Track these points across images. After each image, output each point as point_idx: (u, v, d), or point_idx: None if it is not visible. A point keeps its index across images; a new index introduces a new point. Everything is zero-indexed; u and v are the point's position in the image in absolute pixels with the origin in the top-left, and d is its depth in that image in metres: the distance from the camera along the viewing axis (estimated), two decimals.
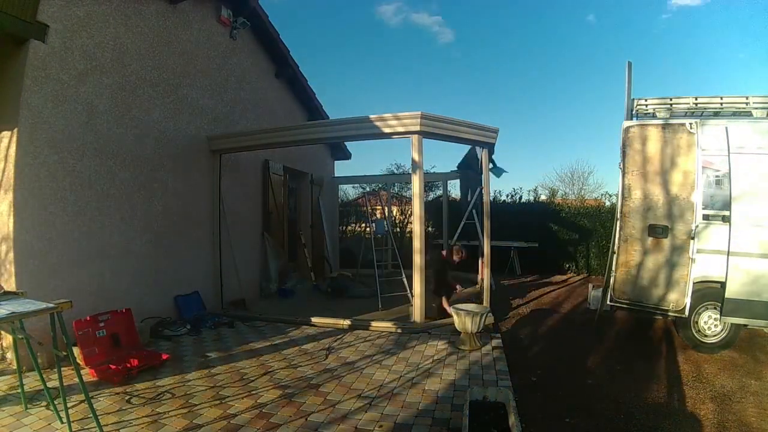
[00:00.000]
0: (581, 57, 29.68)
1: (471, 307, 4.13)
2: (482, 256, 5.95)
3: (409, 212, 10.80)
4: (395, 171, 12.16)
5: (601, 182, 18.55)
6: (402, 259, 6.29)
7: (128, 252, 4.27)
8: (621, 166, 4.34)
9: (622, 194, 4.33)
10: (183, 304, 4.89)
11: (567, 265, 9.49)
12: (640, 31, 27.21)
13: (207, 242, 5.42)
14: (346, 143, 9.43)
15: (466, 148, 6.86)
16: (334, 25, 34.00)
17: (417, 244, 4.73)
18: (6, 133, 3.34)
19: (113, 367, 3.26)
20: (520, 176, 31.46)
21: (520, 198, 10.98)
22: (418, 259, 4.65)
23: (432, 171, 10.15)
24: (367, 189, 12.36)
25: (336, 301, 6.16)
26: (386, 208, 10.13)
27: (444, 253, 5.53)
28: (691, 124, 4.02)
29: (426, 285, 4.80)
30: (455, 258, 5.23)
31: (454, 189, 11.33)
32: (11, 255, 3.25)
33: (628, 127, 4.32)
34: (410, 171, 4.88)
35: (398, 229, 11.15)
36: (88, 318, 3.50)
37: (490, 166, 6.66)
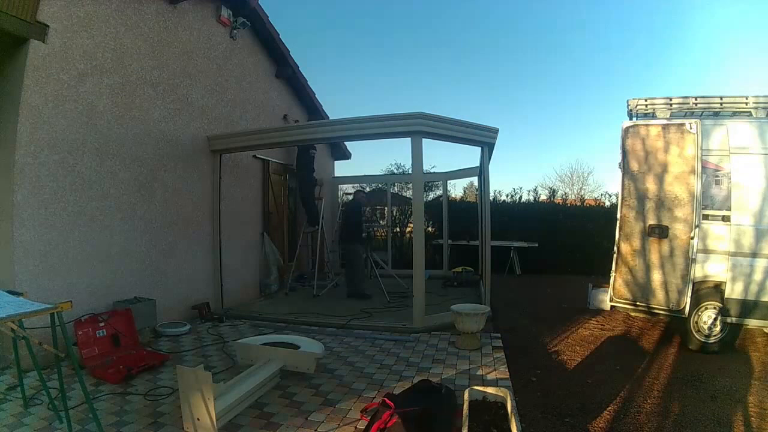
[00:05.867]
0: (581, 55, 29.66)
1: (471, 307, 4.13)
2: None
3: (409, 212, 10.80)
4: (395, 171, 12.17)
5: (601, 182, 18.60)
6: (403, 259, 6.28)
7: (128, 252, 4.27)
8: (621, 166, 4.35)
9: (622, 194, 4.34)
10: None
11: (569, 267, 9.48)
12: (640, 30, 27.19)
13: (207, 242, 5.42)
14: (346, 143, 9.44)
15: (469, 149, 6.85)
16: (333, 24, 33.98)
17: (417, 245, 4.73)
18: (6, 133, 3.34)
19: (113, 367, 3.26)
20: (520, 176, 31.47)
21: (520, 198, 11.00)
22: (418, 260, 4.64)
23: (432, 171, 10.15)
24: (367, 189, 12.35)
25: (337, 301, 6.15)
26: (386, 208, 10.12)
27: None
28: (691, 124, 4.02)
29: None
30: None
31: (454, 189, 11.30)
32: (11, 255, 3.25)
33: (628, 127, 4.33)
34: (410, 171, 4.87)
35: (398, 229, 11.15)
36: (88, 318, 3.50)
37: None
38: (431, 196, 11.56)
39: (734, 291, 3.88)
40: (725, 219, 3.98)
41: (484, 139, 5.21)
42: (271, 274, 6.52)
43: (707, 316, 4.06)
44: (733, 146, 4.01)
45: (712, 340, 4.04)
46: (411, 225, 9.48)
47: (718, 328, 4.02)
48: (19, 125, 3.29)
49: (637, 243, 4.24)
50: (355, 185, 11.19)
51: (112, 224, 4.10)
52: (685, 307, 3.95)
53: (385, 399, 2.35)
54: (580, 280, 7.60)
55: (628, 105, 4.53)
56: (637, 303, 4.23)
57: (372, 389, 3.00)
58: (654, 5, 25.08)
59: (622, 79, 25.78)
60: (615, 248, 4.37)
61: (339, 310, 5.43)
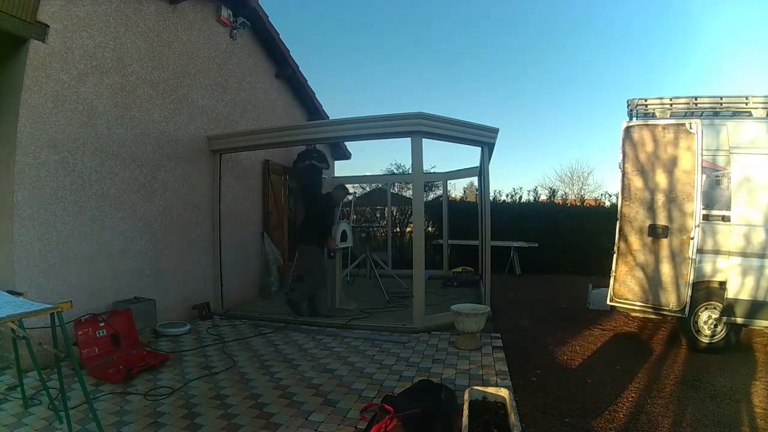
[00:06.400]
0: (581, 55, 29.64)
1: (471, 307, 4.13)
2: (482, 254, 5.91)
3: (409, 212, 10.79)
4: (395, 171, 12.16)
5: (601, 182, 18.60)
6: (403, 259, 6.28)
7: (128, 252, 4.27)
8: (621, 166, 4.35)
9: (622, 194, 4.34)
10: None
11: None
12: (641, 29, 27.15)
13: (207, 242, 5.42)
14: (346, 143, 9.44)
15: (469, 148, 6.85)
16: (333, 23, 33.99)
17: (417, 245, 4.73)
18: (6, 133, 3.34)
19: (113, 367, 3.26)
20: (520, 176, 31.46)
21: (520, 198, 11.01)
22: (418, 261, 4.64)
23: (432, 171, 10.16)
24: (368, 189, 12.36)
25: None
26: (386, 208, 10.11)
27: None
28: (691, 124, 4.02)
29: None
30: None
31: (454, 189, 11.26)
32: (11, 255, 3.26)
33: (628, 127, 4.32)
34: (410, 171, 4.87)
35: (398, 229, 11.15)
36: (88, 318, 3.50)
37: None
38: (431, 196, 11.56)
39: (734, 291, 3.88)
40: (725, 219, 3.97)
41: (484, 139, 5.21)
42: (271, 274, 6.52)
43: (707, 316, 4.06)
44: (733, 146, 4.01)
45: (712, 340, 4.03)
46: (411, 225, 9.48)
47: (718, 328, 4.02)
48: (19, 125, 3.29)
49: (637, 243, 4.23)
50: (354, 185, 11.21)
51: (112, 224, 4.10)
52: (685, 307, 3.94)
53: (384, 404, 2.35)
54: (580, 280, 7.61)
55: (628, 105, 4.53)
56: (637, 303, 4.23)
57: (372, 389, 3.00)
58: (658, 5, 25.00)
59: (623, 80, 25.78)
60: (615, 248, 4.37)
61: (339, 310, 5.43)
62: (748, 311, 3.84)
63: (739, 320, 3.89)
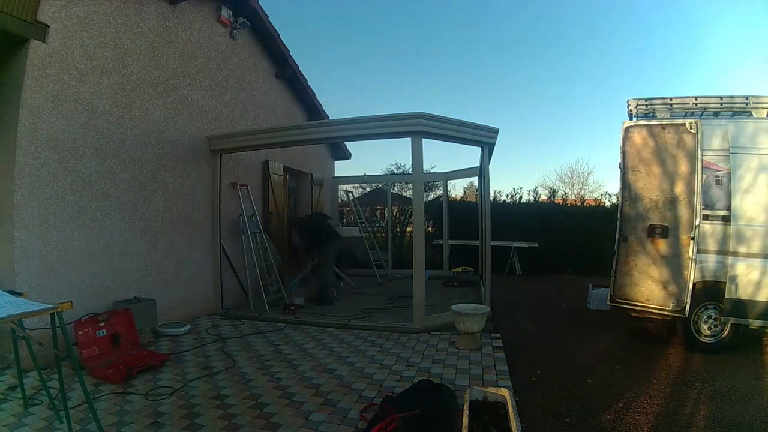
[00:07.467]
0: (582, 55, 29.61)
1: (471, 307, 4.13)
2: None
3: (409, 212, 10.79)
4: (395, 171, 12.15)
5: (601, 182, 18.56)
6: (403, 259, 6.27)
7: (129, 252, 4.27)
8: (621, 166, 4.36)
9: (622, 194, 4.34)
10: None
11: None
12: (641, 29, 27.10)
13: (207, 242, 5.42)
14: (346, 143, 9.44)
15: (469, 148, 6.84)
16: (333, 23, 33.96)
17: (417, 245, 4.73)
18: (6, 133, 3.34)
19: (113, 367, 3.26)
20: (520, 176, 31.41)
21: (520, 198, 11.01)
22: (418, 261, 4.64)
23: (432, 171, 10.15)
24: (368, 189, 12.35)
25: (337, 301, 6.15)
26: (386, 208, 10.09)
27: None
28: (691, 124, 4.02)
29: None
30: None
31: (454, 189, 11.24)
32: (11, 255, 3.26)
33: (628, 127, 4.33)
34: (410, 171, 4.87)
35: (398, 229, 11.15)
36: (88, 318, 3.50)
37: None
38: (431, 196, 11.55)
39: (734, 291, 3.87)
40: (725, 219, 3.97)
41: (484, 139, 5.21)
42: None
43: (707, 316, 4.05)
44: (733, 146, 4.00)
45: (712, 340, 4.03)
46: (411, 225, 9.48)
47: (718, 329, 4.02)
48: (20, 125, 3.29)
49: (637, 243, 4.23)
50: (355, 185, 11.20)
51: (112, 224, 4.10)
52: (685, 307, 3.94)
53: (385, 405, 2.34)
54: (580, 280, 7.61)
55: (628, 105, 4.53)
56: (638, 303, 4.23)
57: (372, 389, 3.00)
58: (663, 5, 24.86)
59: (624, 80, 25.74)
60: (615, 248, 4.37)
61: (339, 310, 5.43)
62: (748, 311, 3.84)
63: (739, 320, 3.89)
